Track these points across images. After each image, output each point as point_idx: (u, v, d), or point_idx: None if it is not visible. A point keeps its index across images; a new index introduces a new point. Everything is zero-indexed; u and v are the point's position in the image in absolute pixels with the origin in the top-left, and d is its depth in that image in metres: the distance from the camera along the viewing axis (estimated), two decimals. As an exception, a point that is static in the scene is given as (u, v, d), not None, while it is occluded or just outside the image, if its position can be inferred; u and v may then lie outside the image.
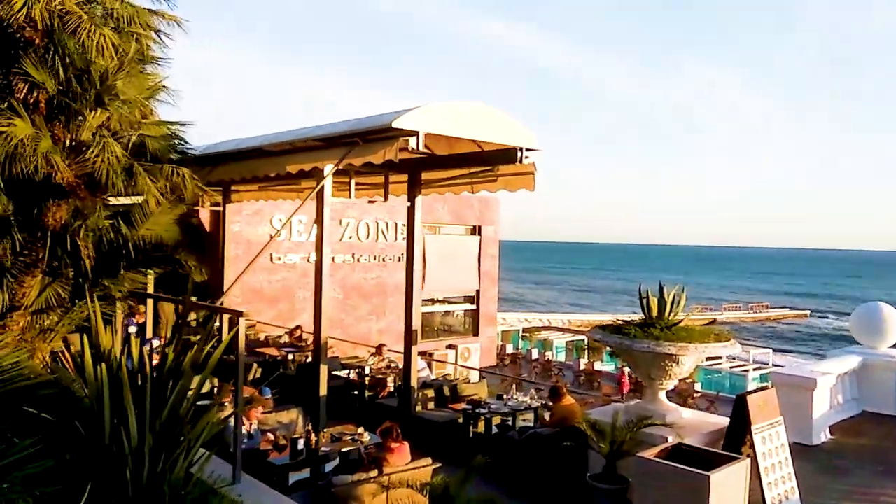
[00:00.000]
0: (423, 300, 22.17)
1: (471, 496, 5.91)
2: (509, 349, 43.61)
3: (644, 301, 8.22)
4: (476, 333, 23.27)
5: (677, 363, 7.77)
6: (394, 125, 7.18)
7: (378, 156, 7.44)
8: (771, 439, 7.60)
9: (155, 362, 8.88)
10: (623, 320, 8.44)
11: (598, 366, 34.45)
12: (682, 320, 8.05)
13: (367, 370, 11.41)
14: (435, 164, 9.52)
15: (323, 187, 8.56)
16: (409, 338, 9.97)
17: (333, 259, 19.37)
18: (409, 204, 9.87)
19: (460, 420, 9.41)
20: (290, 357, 12.95)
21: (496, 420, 9.59)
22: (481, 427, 9.22)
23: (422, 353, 13.00)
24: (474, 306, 23.46)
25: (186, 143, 8.51)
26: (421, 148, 7.35)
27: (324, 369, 8.83)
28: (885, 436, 11.25)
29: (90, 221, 7.79)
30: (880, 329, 13.21)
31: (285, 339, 14.69)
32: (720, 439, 7.81)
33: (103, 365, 4.44)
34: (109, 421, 4.45)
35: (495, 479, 8.45)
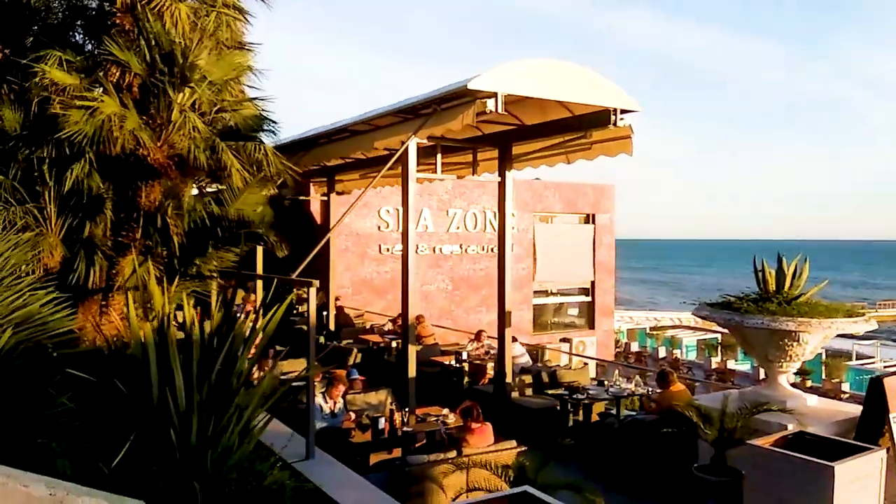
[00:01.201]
0: (535, 292, 21.68)
1: (549, 480, 5.40)
2: (634, 347, 42.06)
3: (759, 273, 7.32)
4: (592, 327, 22.36)
5: (798, 342, 6.83)
6: (470, 87, 6.79)
7: (457, 122, 7.07)
8: (916, 430, 6.49)
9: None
10: (736, 296, 7.54)
11: (731, 364, 32.31)
12: (803, 294, 7.08)
13: (464, 356, 11.05)
14: (524, 134, 9.02)
15: (406, 161, 8.28)
16: (503, 321, 9.53)
17: (441, 250, 19.25)
18: (499, 179, 9.39)
19: (557, 407, 8.84)
20: (394, 344, 12.85)
21: (599, 408, 8.97)
22: (581, 414, 8.61)
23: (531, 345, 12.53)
24: (589, 298, 22.56)
25: (272, 121, 8.53)
26: (499, 110, 6.90)
27: (412, 350, 8.59)
28: None
29: (181, 201, 7.97)
30: None
31: (389, 326, 14.64)
32: (853, 430, 6.78)
33: (148, 324, 4.34)
34: (157, 381, 4.34)
35: (593, 469, 7.86)
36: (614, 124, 7.70)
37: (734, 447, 6.56)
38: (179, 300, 8.31)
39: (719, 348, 35.92)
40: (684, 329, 49.17)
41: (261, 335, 4.92)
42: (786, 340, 6.86)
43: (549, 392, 9.36)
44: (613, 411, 8.85)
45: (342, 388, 7.65)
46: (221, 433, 4.53)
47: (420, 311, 17.65)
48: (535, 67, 7.24)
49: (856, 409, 7.06)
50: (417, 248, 18.62)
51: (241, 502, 4.10)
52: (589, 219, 22.36)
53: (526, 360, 11.02)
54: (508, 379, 9.47)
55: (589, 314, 22.54)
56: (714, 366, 32.45)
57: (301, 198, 15.83)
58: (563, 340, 21.48)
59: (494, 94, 6.90)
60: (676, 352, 41.40)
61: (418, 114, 7.89)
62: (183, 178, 7.99)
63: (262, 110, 8.68)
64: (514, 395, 9.60)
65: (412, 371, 8.48)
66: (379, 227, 18.20)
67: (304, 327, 14.35)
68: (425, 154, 9.65)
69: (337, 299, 15.97)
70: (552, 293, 22.65)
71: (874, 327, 6.94)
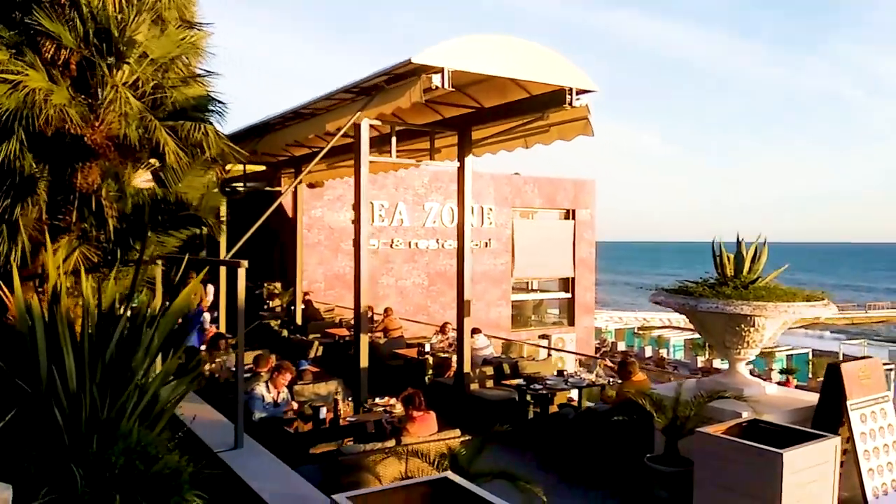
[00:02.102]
0: (514, 288, 21.42)
1: (483, 467, 5.12)
2: (621, 346, 41.92)
3: (717, 258, 7.07)
4: (572, 323, 22.11)
5: (754, 327, 6.58)
6: (414, 61, 6.51)
7: (405, 99, 6.80)
8: (874, 418, 6.25)
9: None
10: (694, 282, 7.28)
11: (717, 363, 32.16)
12: (761, 279, 6.83)
13: (427, 348, 10.76)
14: (482, 117, 8.74)
15: (359, 144, 8.01)
16: (462, 311, 9.24)
17: (417, 244, 18.95)
18: (458, 164, 9.11)
19: (516, 398, 8.56)
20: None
21: (562, 398, 8.71)
22: (540, 405, 8.35)
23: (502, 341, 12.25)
24: (569, 295, 22.31)
25: (220, 102, 8.21)
26: (447, 86, 6.63)
27: (364, 340, 8.31)
28: None
29: (122, 184, 7.64)
30: None
31: (345, 317, 14.39)
32: (812, 419, 6.53)
33: (35, 297, 4.03)
34: (45, 360, 4.04)
35: (549, 459, 7.59)
36: (570, 104, 7.43)
37: (687, 436, 6.32)
38: (125, 287, 8.02)
39: (707, 347, 35.82)
40: (672, 329, 49.09)
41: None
42: (742, 326, 6.61)
43: (508, 383, 9.09)
44: (576, 402, 8.60)
45: (288, 376, 7.35)
46: (120, 416, 4.24)
47: (395, 307, 17.37)
48: (485, 43, 6.97)
49: (815, 398, 6.79)
50: (392, 242, 18.35)
51: (130, 488, 3.80)
52: (569, 214, 22.11)
53: (490, 352, 10.75)
54: (468, 369, 9.18)
55: (569, 311, 22.29)
56: (700, 364, 32.33)
57: (272, 189, 15.51)
58: (542, 337, 21.23)
59: (441, 70, 6.62)
60: (663, 351, 41.26)
61: (368, 93, 7.61)
62: (122, 159, 7.67)
63: (210, 91, 8.37)
64: (474, 386, 9.31)
65: (364, 361, 8.21)
66: (352, 221, 17.86)
67: (273, 323, 14.11)
68: (383, 141, 9.38)
69: (306, 294, 15.67)
70: (532, 290, 22.40)
71: (833, 312, 6.69)
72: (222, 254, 14.11)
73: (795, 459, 5.23)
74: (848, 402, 6.10)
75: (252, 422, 6.95)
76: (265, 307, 16.21)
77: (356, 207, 8.39)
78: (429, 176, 19.12)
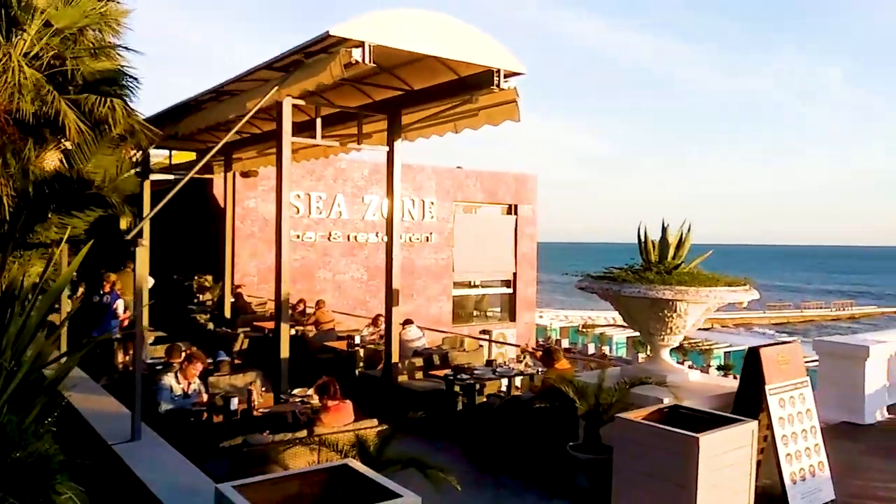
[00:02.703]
0: (456, 283, 21.25)
1: (392, 455, 4.88)
2: (565, 343, 42.20)
3: (642, 244, 7.00)
4: (513, 319, 22.07)
5: (677, 312, 6.52)
6: (332, 33, 6.24)
7: (325, 74, 6.51)
8: (793, 403, 6.25)
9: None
10: (619, 268, 7.19)
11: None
12: (684, 264, 6.78)
13: (357, 340, 10.48)
14: (412, 100, 8.49)
15: (281, 123, 7.67)
16: (391, 301, 8.99)
17: (356, 238, 18.60)
18: (387, 149, 8.85)
19: (444, 388, 8.36)
20: (292, 331, 12.17)
21: (493, 388, 8.54)
22: (467, 395, 8.16)
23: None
24: (510, 290, 22.27)
25: (132, 77, 7.78)
26: (367, 61, 6.37)
27: (285, 330, 7.99)
28: (960, 416, 9.57)
29: (22, 161, 7.16)
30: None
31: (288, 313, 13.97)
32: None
33: None
34: None
35: (473, 450, 7.40)
36: (498, 86, 7.25)
37: (609, 423, 6.20)
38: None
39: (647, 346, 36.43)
40: (615, 327, 49.83)
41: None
42: (665, 311, 6.54)
43: (436, 374, 8.88)
44: (506, 391, 8.45)
45: (199, 366, 6.98)
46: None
47: (332, 301, 16.99)
48: (409, 19, 6.73)
49: (737, 385, 6.78)
50: (330, 235, 17.97)
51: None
52: (511, 209, 22.07)
53: (422, 343, 10.53)
54: (395, 360, 8.94)
55: (510, 306, 22.25)
56: (641, 360, 32.81)
57: (202, 177, 14.95)
58: (483, 332, 21.12)
59: (362, 44, 6.35)
60: (605, 348, 41.73)
61: (289, 70, 7.29)
62: (22, 135, 7.18)
63: (123, 66, 7.93)
64: (402, 378, 9.07)
65: (284, 351, 7.89)
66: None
67: (200, 316, 13.57)
68: (311, 126, 9.05)
69: (237, 287, 15.18)
70: (474, 285, 22.27)
71: (755, 296, 6.68)
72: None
73: (712, 443, 5.15)
74: (767, 387, 6.07)
75: (158, 414, 6.58)
76: (195, 300, 15.64)
77: (278, 192, 8.06)
78: (369, 168, 18.79)
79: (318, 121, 8.42)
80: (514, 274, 22.21)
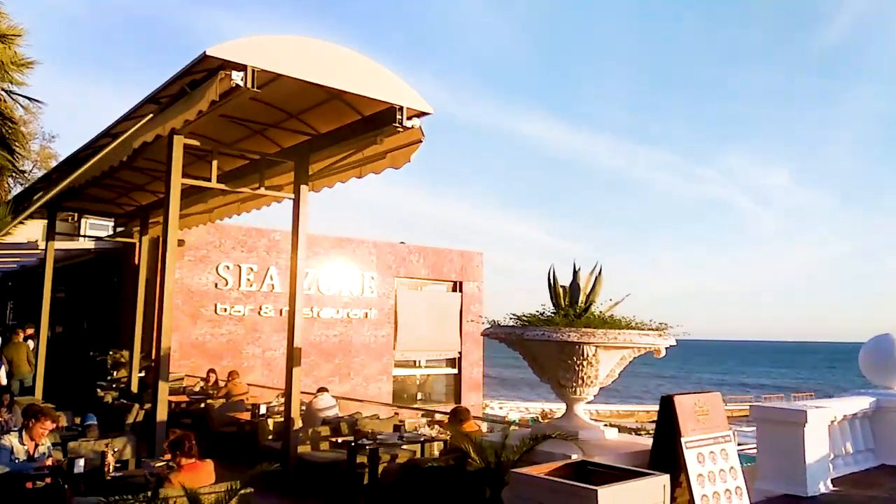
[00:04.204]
0: (398, 362, 20.38)
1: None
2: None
3: (551, 288, 6.45)
4: (458, 400, 21.10)
5: (587, 359, 5.92)
6: (209, 53, 5.80)
7: (204, 101, 6.02)
8: (713, 459, 5.59)
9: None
10: (531, 314, 6.60)
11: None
12: (595, 308, 6.23)
13: (263, 409, 9.59)
14: (319, 144, 8.05)
15: (170, 161, 7.12)
16: (291, 365, 8.22)
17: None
18: (292, 198, 8.31)
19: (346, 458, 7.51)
20: (202, 404, 11.22)
21: (404, 457, 7.72)
22: (371, 464, 7.31)
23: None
24: (455, 371, 21.43)
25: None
26: (250, 86, 5.92)
27: (163, 388, 7.13)
28: (904, 487, 8.94)
29: None
30: (894, 366, 11.04)
31: (200, 386, 12.98)
32: (652, 464, 5.81)
33: None
34: None
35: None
36: (401, 124, 6.85)
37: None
38: None
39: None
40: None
41: None
42: (574, 358, 5.94)
43: (339, 440, 8.03)
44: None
45: (49, 425, 6.10)
46: None
47: (261, 379, 16.01)
48: (299, 44, 6.36)
49: (655, 440, 6.11)
50: (261, 308, 17.13)
51: None
52: (456, 286, 21.54)
53: (334, 413, 9.66)
54: (297, 426, 8.08)
55: (455, 387, 21.34)
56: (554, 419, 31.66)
57: (122, 241, 14.18)
58: (426, 415, 20.08)
59: (244, 67, 5.92)
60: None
61: (174, 100, 6.81)
62: None
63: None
64: (304, 448, 8.18)
65: (161, 414, 7.05)
66: (216, 285, 16.60)
67: (106, 392, 12.50)
68: (199, 162, 8.48)
69: (150, 362, 14.13)
70: (418, 365, 21.39)
71: (671, 343, 6.13)
72: (44, 320, 12.66)
73: (614, 498, 4.45)
74: (683, 440, 5.42)
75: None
76: (109, 377, 14.51)
77: (163, 235, 7.39)
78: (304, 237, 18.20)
79: (214, 163, 7.88)
80: (460, 353, 21.44)
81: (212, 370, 12.97)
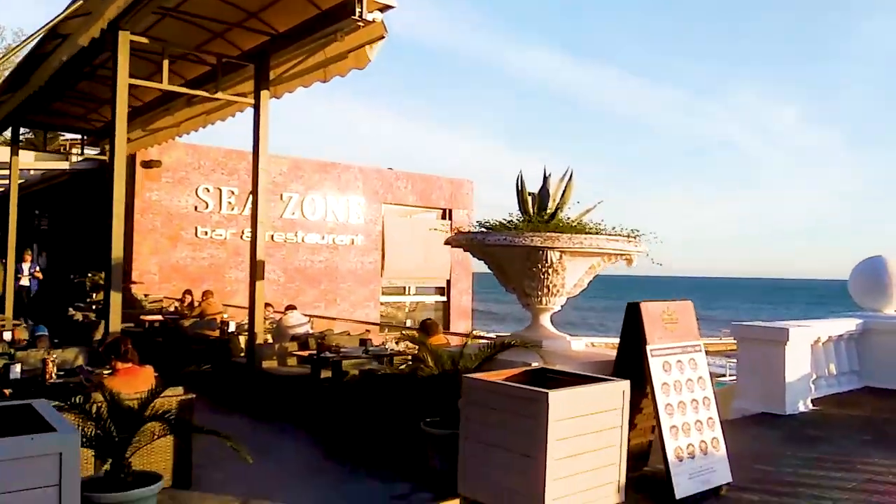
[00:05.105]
0: (385, 289, 20.19)
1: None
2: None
3: (519, 194, 6.08)
4: (447, 328, 21.00)
5: (552, 267, 5.60)
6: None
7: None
8: (681, 368, 5.33)
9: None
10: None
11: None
12: (563, 214, 5.87)
13: (231, 327, 9.38)
14: (279, 44, 7.52)
15: (115, 61, 6.62)
16: (255, 279, 7.92)
17: (273, 237, 17.47)
18: (252, 104, 7.84)
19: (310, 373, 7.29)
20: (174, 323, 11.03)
21: (387, 371, 7.49)
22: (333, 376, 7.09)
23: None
24: (444, 298, 21.28)
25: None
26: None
27: (115, 299, 6.84)
28: (886, 408, 8.80)
29: None
30: (885, 287, 10.79)
31: (174, 307, 12.80)
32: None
33: None
34: None
35: (324, 433, 6.35)
36: (360, 17, 6.33)
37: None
38: None
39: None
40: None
41: None
42: (539, 266, 5.62)
43: (302, 354, 7.81)
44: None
45: (-13, 333, 5.85)
46: None
47: (245, 302, 15.77)
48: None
49: (623, 351, 5.84)
50: (243, 233, 16.78)
51: None
52: (445, 214, 21.16)
53: (305, 330, 9.45)
54: (260, 341, 7.85)
55: (444, 315, 21.21)
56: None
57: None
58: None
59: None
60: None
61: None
62: None
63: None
64: (270, 363, 7.98)
65: (114, 324, 6.80)
66: (196, 208, 16.21)
67: (75, 312, 12.30)
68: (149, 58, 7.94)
69: (130, 283, 13.92)
70: (407, 292, 21.20)
71: (642, 251, 5.80)
72: (10, 241, 12.37)
73: (567, 402, 4.19)
74: (648, 348, 5.15)
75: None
76: (87, 299, 14.30)
77: (111, 146, 6.94)
78: (288, 164, 17.73)
79: (165, 63, 7.35)
80: (448, 281, 21.24)
81: (188, 291, 12.72)
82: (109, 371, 4.96)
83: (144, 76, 8.07)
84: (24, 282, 14.25)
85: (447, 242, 6.22)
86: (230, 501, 4.71)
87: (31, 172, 16.24)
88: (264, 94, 7.75)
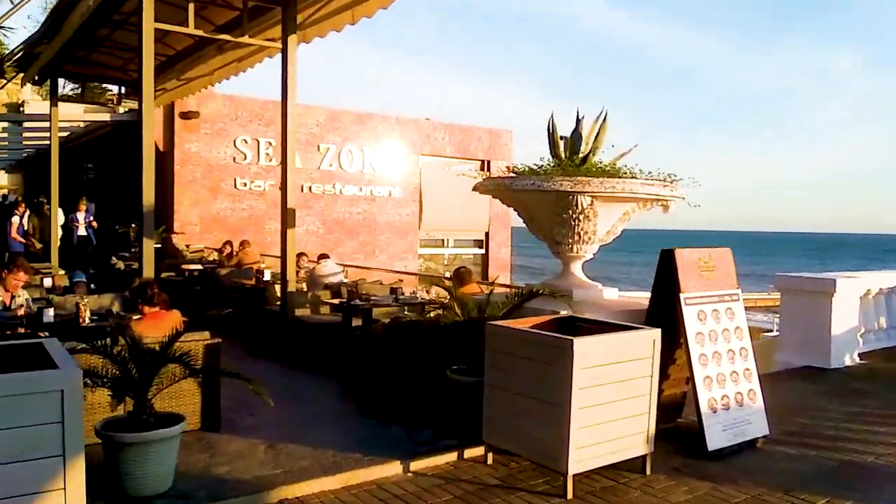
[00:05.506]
0: (424, 241, 20.15)
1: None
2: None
3: (550, 137, 5.84)
4: (485, 281, 20.93)
5: (583, 213, 5.39)
6: None
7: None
8: (717, 317, 5.13)
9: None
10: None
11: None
12: (596, 157, 5.63)
13: (267, 276, 9.43)
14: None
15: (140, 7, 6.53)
16: (286, 227, 7.91)
17: (311, 188, 17.50)
18: (280, 49, 7.69)
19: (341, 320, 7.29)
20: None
21: (413, 318, 7.46)
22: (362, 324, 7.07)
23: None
24: (483, 251, 21.15)
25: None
26: None
27: (148, 245, 6.90)
28: (938, 362, 8.43)
29: None
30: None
31: (213, 256, 12.97)
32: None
33: None
34: None
35: (350, 380, 6.36)
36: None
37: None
38: None
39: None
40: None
41: None
42: (570, 212, 5.41)
43: (333, 302, 7.83)
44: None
45: (22, 276, 5.98)
46: None
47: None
48: None
49: (657, 300, 5.64)
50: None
51: None
52: (483, 165, 20.86)
53: (339, 279, 9.45)
54: (292, 289, 7.86)
55: (483, 268, 21.11)
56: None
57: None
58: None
59: None
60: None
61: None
62: None
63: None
64: (302, 312, 8.01)
65: (147, 270, 6.84)
66: (235, 159, 16.28)
67: (120, 264, 12.56)
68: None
69: (171, 233, 14.12)
70: (445, 244, 21.11)
71: (680, 196, 5.54)
72: (53, 192, 12.61)
73: (593, 350, 4.05)
74: (682, 296, 4.95)
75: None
76: (133, 249, 14.59)
77: (139, 93, 6.91)
78: (325, 115, 17.63)
79: (191, 6, 7.23)
80: (487, 234, 21.08)
81: (227, 242, 12.84)
82: (139, 316, 4.99)
83: (173, 23, 7.98)
84: (82, 231, 14.14)
85: (475, 188, 6.05)
86: (257, 444, 4.74)
87: (80, 125, 16.48)
88: (291, 38, 7.60)
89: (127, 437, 3.62)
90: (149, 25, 6.69)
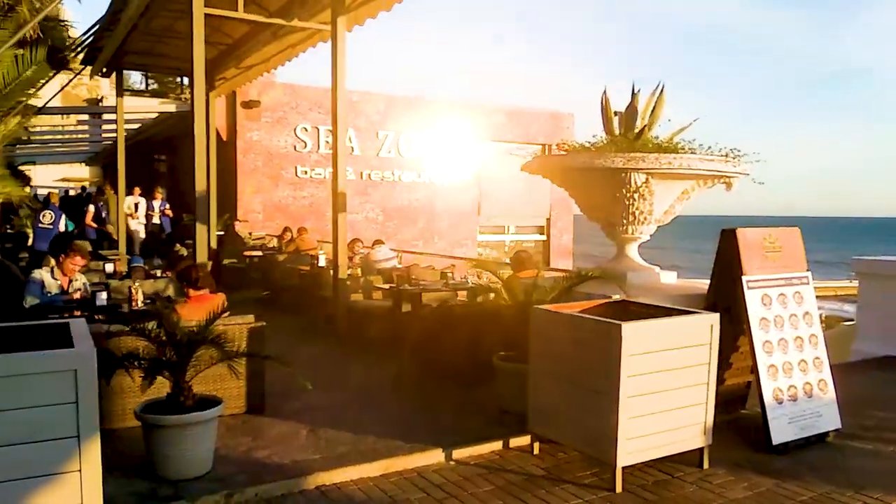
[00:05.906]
0: (484, 227, 19.94)
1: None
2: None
3: (604, 112, 5.57)
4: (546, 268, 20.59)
5: (639, 192, 5.12)
6: None
7: None
8: (783, 302, 4.77)
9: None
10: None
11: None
12: (652, 133, 5.33)
13: (321, 261, 9.46)
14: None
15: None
16: (337, 212, 7.87)
17: (370, 175, 17.53)
18: (329, 29, 7.62)
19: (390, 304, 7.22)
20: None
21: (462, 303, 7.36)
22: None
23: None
24: (544, 237, 20.79)
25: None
26: None
27: (201, 229, 6.97)
28: None
29: None
30: None
31: (273, 243, 13.14)
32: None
33: None
34: None
35: (398, 365, 6.26)
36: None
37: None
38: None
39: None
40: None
41: None
42: (623, 191, 5.15)
43: (383, 286, 7.75)
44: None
45: (79, 260, 6.10)
46: None
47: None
48: None
49: (718, 284, 5.30)
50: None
51: None
52: (545, 150, 20.45)
53: (392, 264, 9.40)
54: (343, 275, 7.82)
55: (544, 255, 20.75)
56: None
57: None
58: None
59: None
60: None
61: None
62: None
63: None
64: (355, 296, 7.97)
65: (201, 255, 6.91)
66: (295, 147, 16.44)
67: (183, 251, 12.90)
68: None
69: (234, 221, 14.37)
70: (506, 231, 20.84)
71: (742, 172, 5.18)
72: (120, 187, 12.99)
73: (644, 335, 3.81)
74: (744, 279, 4.62)
75: (23, 308, 5.73)
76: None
77: (190, 79, 6.95)
78: (384, 102, 17.60)
79: (241, -7, 7.23)
80: (548, 220, 20.70)
81: (287, 228, 12.96)
82: (185, 299, 5.01)
83: (226, 9, 8.02)
84: (156, 219, 14.46)
85: (523, 168, 5.84)
86: (300, 429, 4.70)
87: (150, 116, 16.95)
88: (340, 19, 7.52)
89: (162, 420, 3.60)
90: (199, 11, 6.72)
